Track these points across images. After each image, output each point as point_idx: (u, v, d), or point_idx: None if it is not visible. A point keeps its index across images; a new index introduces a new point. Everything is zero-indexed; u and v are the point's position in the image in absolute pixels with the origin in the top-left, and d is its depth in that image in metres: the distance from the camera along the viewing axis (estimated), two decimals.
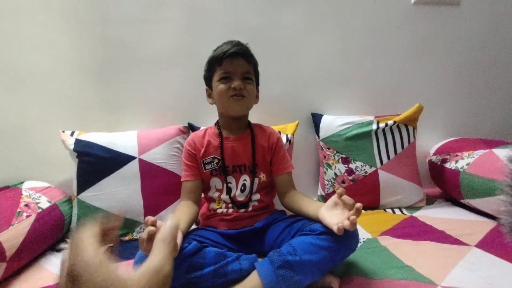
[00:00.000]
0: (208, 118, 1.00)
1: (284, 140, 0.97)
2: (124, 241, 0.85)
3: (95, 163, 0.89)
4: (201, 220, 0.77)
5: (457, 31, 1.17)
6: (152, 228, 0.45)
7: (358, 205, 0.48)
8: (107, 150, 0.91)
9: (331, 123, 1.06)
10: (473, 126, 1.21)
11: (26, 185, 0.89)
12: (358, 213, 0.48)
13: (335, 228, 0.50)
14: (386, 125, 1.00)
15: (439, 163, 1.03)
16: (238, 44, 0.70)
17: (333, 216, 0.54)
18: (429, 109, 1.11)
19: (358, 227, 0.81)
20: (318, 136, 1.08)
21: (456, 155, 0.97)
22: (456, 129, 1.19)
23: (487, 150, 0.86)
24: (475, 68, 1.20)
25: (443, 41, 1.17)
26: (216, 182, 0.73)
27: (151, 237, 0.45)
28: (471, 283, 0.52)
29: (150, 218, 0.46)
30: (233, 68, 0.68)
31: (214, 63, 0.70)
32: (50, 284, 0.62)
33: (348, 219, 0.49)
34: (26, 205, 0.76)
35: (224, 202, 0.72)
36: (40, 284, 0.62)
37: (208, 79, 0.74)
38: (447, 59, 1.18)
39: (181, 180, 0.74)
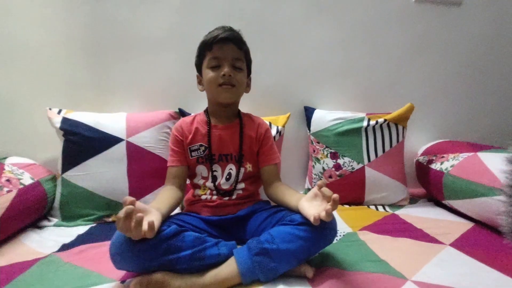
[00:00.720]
0: (199, 104, 0.98)
1: (274, 131, 0.97)
2: (108, 222, 0.85)
3: (81, 143, 0.88)
4: (186, 206, 0.77)
5: (457, 31, 1.17)
6: (130, 206, 0.45)
7: (335, 196, 0.49)
8: (95, 130, 0.89)
9: (323, 118, 1.06)
10: (464, 129, 1.22)
11: (9, 161, 0.87)
12: (335, 204, 0.49)
13: (311, 219, 0.50)
14: (377, 122, 1.00)
15: (425, 163, 1.04)
16: (230, 29, 0.68)
17: (312, 207, 0.54)
18: (421, 110, 1.12)
19: (340, 221, 0.84)
20: (309, 130, 1.08)
21: (442, 157, 0.98)
22: (447, 131, 1.20)
23: (471, 154, 0.88)
24: (472, 70, 1.20)
25: (441, 41, 1.16)
26: (201, 169, 0.73)
27: (128, 216, 0.45)
28: (440, 279, 0.53)
29: (128, 198, 0.47)
30: (222, 54, 0.67)
31: (204, 48, 0.69)
32: (27, 259, 0.62)
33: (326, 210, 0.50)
34: (8, 180, 0.75)
35: (209, 189, 0.72)
36: (18, 259, 0.62)
37: (198, 65, 0.73)
38: (444, 60, 1.18)
39: (167, 165, 0.74)
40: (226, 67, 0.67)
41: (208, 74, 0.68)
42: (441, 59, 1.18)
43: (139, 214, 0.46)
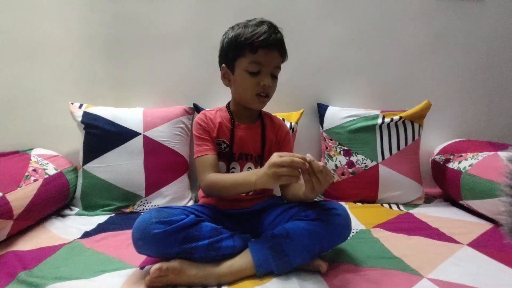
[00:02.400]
0: (214, 100, 1.01)
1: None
2: (126, 213, 0.88)
3: (101, 136, 0.91)
4: (201, 198, 0.78)
5: (478, 28, 1.12)
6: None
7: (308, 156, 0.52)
8: (113, 124, 0.93)
9: (336, 115, 1.05)
10: (482, 128, 1.18)
11: (34, 152, 0.92)
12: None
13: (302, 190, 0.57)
14: (392, 120, 0.99)
15: (442, 162, 1.02)
16: (275, 31, 0.64)
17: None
18: (438, 108, 1.09)
19: (353, 218, 0.82)
20: (322, 127, 1.07)
21: (460, 156, 0.95)
22: (465, 130, 1.17)
23: (492, 153, 0.85)
24: (492, 68, 1.15)
25: (461, 37, 1.13)
26: (220, 165, 0.72)
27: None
28: (457, 277, 0.52)
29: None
30: (266, 61, 0.63)
31: (245, 46, 0.63)
32: (53, 244, 0.66)
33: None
34: (34, 170, 0.79)
35: None
36: (44, 244, 0.66)
37: (230, 59, 0.66)
38: (463, 57, 1.14)
39: (198, 155, 0.68)
40: (267, 78, 0.64)
41: (246, 79, 0.64)
42: (460, 56, 1.14)
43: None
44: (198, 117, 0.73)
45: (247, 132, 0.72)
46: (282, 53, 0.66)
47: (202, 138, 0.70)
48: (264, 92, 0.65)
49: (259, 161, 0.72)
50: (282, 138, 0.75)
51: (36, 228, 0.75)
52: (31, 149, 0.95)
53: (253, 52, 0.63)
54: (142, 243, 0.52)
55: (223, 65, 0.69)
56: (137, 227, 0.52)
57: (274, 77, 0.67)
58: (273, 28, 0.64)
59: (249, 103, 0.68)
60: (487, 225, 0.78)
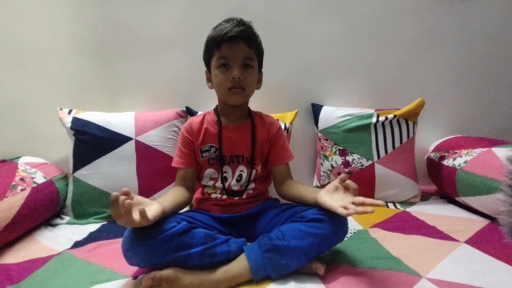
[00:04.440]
0: (206, 102, 0.99)
1: None
2: None
3: (91, 142, 0.89)
4: (195, 204, 0.77)
5: (471, 25, 1.13)
6: (115, 194, 0.44)
7: (362, 200, 0.48)
8: (104, 129, 0.91)
9: (331, 114, 1.04)
10: (476, 125, 1.19)
11: (22, 160, 0.89)
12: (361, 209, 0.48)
13: (339, 211, 0.49)
14: (386, 118, 0.98)
15: (437, 160, 1.02)
16: (239, 24, 0.64)
17: (335, 199, 0.53)
18: (432, 105, 1.09)
19: (349, 218, 0.82)
20: (317, 127, 1.07)
21: (455, 153, 0.96)
22: (458, 127, 1.17)
23: (486, 149, 0.85)
24: (484, 65, 1.16)
25: (452, 34, 1.13)
26: (211, 171, 0.71)
27: (114, 202, 0.44)
28: (456, 276, 0.52)
29: (123, 190, 0.46)
30: (231, 54, 0.63)
31: (212, 45, 0.65)
32: (42, 256, 0.63)
33: (353, 203, 0.49)
34: (22, 179, 0.77)
35: (219, 188, 0.72)
36: (32, 256, 0.64)
37: (206, 62, 0.70)
38: (455, 54, 1.15)
39: (172, 164, 0.72)
40: (236, 70, 0.63)
41: (217, 76, 0.65)
42: (452, 53, 1.14)
43: (128, 201, 0.45)
44: (183, 126, 0.74)
45: (236, 132, 0.71)
46: (250, 44, 0.65)
47: (180, 150, 0.72)
48: (236, 84, 0.64)
49: (252, 164, 0.71)
50: (273, 135, 0.73)
51: (25, 239, 0.72)
52: (19, 157, 0.92)
53: (218, 48, 0.64)
54: (132, 254, 0.50)
55: (206, 70, 0.71)
56: (126, 238, 0.51)
57: (249, 68, 0.66)
58: (236, 22, 0.64)
59: (226, 99, 0.68)
60: (483, 222, 0.78)
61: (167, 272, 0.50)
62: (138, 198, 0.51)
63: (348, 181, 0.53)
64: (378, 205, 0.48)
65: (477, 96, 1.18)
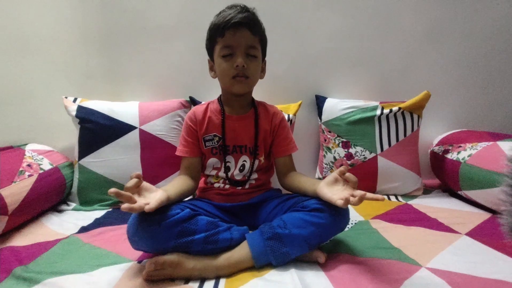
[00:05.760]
0: (209, 92, 0.99)
1: None
2: None
3: (96, 130, 0.90)
4: (198, 193, 0.78)
5: (477, 18, 1.10)
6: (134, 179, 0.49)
7: (362, 193, 0.48)
8: (109, 118, 0.91)
9: (334, 106, 1.04)
10: (481, 119, 1.17)
11: (29, 147, 0.91)
12: (360, 201, 0.48)
13: (339, 203, 0.49)
14: (391, 111, 0.98)
15: (441, 153, 1.01)
16: (243, 10, 0.62)
17: (334, 191, 0.54)
18: (437, 98, 1.08)
19: (351, 209, 0.83)
20: (320, 119, 1.06)
21: (459, 146, 0.95)
22: (464, 121, 1.16)
23: (491, 143, 0.84)
24: (490, 59, 1.13)
25: (458, 27, 1.11)
26: (214, 160, 0.71)
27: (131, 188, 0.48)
28: (455, 266, 0.52)
29: (135, 173, 0.50)
30: (235, 41, 0.62)
31: (215, 33, 0.64)
32: (49, 240, 0.65)
33: (353, 195, 0.49)
34: (29, 165, 0.78)
35: (222, 178, 0.72)
36: (40, 239, 0.65)
37: (209, 50, 0.69)
38: (463, 47, 1.12)
39: (176, 153, 0.72)
40: (240, 58, 0.62)
41: (221, 64, 0.64)
42: (458, 46, 1.12)
43: (128, 193, 0.46)
44: (187, 115, 0.74)
45: (239, 122, 0.71)
46: (253, 31, 0.63)
47: (184, 139, 0.72)
48: (240, 73, 0.63)
49: (255, 154, 0.71)
50: (277, 125, 0.73)
51: (32, 224, 0.74)
52: (26, 144, 0.93)
53: (221, 36, 0.63)
54: (137, 238, 0.51)
55: (208, 59, 0.70)
56: (131, 223, 0.52)
57: (253, 56, 0.65)
58: (240, 8, 0.63)
59: (230, 88, 0.67)
60: (485, 215, 0.78)
61: (171, 257, 0.51)
62: (145, 184, 0.53)
63: (348, 174, 0.53)
64: (377, 199, 0.48)
65: (483, 90, 1.16)
